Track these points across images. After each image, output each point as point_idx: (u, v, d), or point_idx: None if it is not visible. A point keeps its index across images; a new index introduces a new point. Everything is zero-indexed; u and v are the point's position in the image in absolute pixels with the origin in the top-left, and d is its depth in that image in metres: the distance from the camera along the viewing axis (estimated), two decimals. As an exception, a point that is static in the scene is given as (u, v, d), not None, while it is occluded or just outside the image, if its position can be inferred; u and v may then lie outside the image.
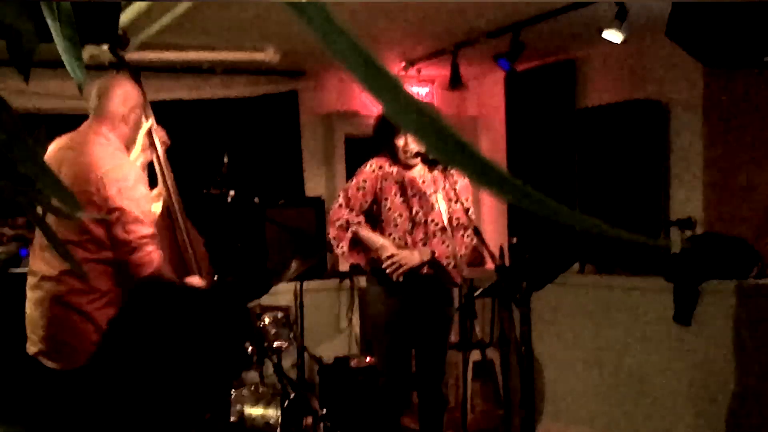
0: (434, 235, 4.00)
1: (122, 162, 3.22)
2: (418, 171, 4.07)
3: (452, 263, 3.99)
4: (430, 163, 3.96)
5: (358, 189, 4.01)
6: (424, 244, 3.98)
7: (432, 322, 4.07)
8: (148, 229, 3.19)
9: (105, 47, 3.54)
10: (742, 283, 4.26)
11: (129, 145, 3.39)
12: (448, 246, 3.97)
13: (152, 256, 3.18)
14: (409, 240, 3.97)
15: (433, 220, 4.00)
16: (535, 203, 0.53)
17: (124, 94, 3.30)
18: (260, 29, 4.65)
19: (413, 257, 3.90)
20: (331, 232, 4.02)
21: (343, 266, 5.97)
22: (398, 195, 3.99)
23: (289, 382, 4.50)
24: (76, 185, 3.02)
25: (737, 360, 4.24)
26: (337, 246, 3.99)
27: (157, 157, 3.58)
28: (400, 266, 3.88)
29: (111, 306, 3.10)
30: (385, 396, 4.10)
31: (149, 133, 3.55)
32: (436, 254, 3.98)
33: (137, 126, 3.40)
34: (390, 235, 3.97)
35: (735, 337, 4.24)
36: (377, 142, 4.04)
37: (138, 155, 3.57)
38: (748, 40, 3.34)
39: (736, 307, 4.25)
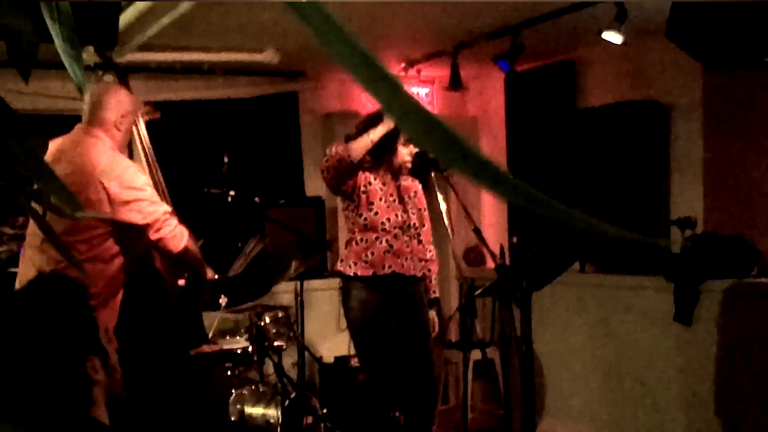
0: (415, 237, 4.05)
1: (117, 158, 3.25)
2: (405, 175, 4.10)
3: (432, 274, 4.15)
4: (424, 167, 4.00)
5: None
6: (407, 247, 4.01)
7: (414, 321, 4.08)
8: (165, 206, 3.25)
9: (91, 48, 3.54)
10: (742, 283, 4.26)
11: (121, 150, 3.41)
12: (429, 251, 4.08)
13: (180, 227, 3.25)
14: (395, 243, 3.98)
15: (414, 224, 4.05)
16: (535, 203, 0.53)
17: (117, 102, 3.33)
18: (260, 30, 4.65)
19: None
20: (335, 152, 3.82)
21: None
22: (384, 200, 4.00)
23: (289, 382, 4.50)
24: (72, 186, 3.02)
25: (737, 359, 4.23)
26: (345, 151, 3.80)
27: (146, 157, 3.61)
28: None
29: (103, 307, 3.10)
30: (375, 395, 4.10)
31: (137, 131, 3.60)
32: (414, 259, 4.03)
33: (129, 132, 3.45)
34: (376, 238, 3.98)
35: (735, 336, 4.24)
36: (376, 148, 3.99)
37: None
38: (748, 40, 3.34)
39: (736, 307, 4.25)
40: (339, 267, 4.08)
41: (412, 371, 4.12)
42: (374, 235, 3.97)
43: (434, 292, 4.22)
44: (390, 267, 3.96)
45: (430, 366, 4.16)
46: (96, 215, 3.08)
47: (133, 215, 3.14)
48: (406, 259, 4.01)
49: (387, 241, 3.97)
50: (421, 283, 4.15)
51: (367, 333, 4.04)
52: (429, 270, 4.19)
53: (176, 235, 3.22)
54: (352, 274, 3.98)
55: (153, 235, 3.19)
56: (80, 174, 3.13)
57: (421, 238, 4.14)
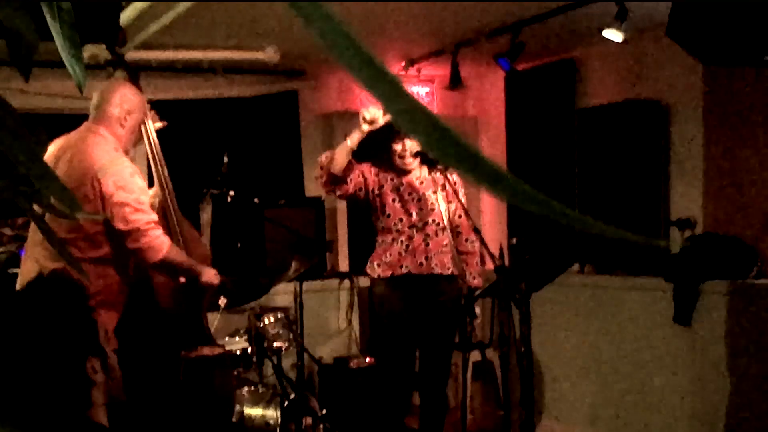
0: (436, 235, 4.04)
1: (117, 157, 3.24)
2: (415, 173, 4.10)
3: (457, 268, 4.04)
4: (430, 163, 3.99)
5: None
6: (426, 245, 4.02)
7: (437, 323, 4.09)
8: (151, 216, 3.23)
9: (103, 45, 3.56)
10: (741, 284, 4.26)
11: (126, 148, 3.40)
12: (447, 245, 4.03)
13: (161, 239, 3.22)
14: (411, 243, 4.01)
15: (434, 221, 4.04)
16: (534, 203, 0.53)
17: (121, 98, 3.34)
18: (260, 29, 4.65)
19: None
20: (320, 162, 3.99)
21: (343, 266, 5.97)
22: (396, 201, 4.04)
23: (288, 383, 4.49)
24: (71, 183, 3.02)
25: (736, 360, 4.23)
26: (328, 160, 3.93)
27: (153, 157, 3.60)
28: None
29: (102, 307, 3.08)
30: (388, 397, 4.12)
31: (145, 131, 3.59)
32: (438, 257, 4.01)
33: (135, 130, 3.43)
34: (392, 240, 4.03)
35: (734, 337, 4.24)
36: (374, 144, 4.04)
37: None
38: (749, 39, 3.33)
39: (735, 308, 4.24)
40: (367, 269, 4.20)
41: (424, 374, 4.16)
42: (390, 237, 4.06)
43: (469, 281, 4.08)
44: (406, 267, 4.02)
45: (443, 373, 4.18)
46: (94, 217, 3.08)
47: (117, 219, 3.14)
48: (426, 258, 4.02)
49: (402, 241, 4.03)
50: (451, 282, 4.08)
51: (385, 330, 4.13)
52: (466, 264, 4.09)
53: (153, 247, 3.19)
54: (375, 276, 4.11)
55: (130, 244, 3.18)
56: (78, 171, 3.13)
57: (459, 230, 4.11)
